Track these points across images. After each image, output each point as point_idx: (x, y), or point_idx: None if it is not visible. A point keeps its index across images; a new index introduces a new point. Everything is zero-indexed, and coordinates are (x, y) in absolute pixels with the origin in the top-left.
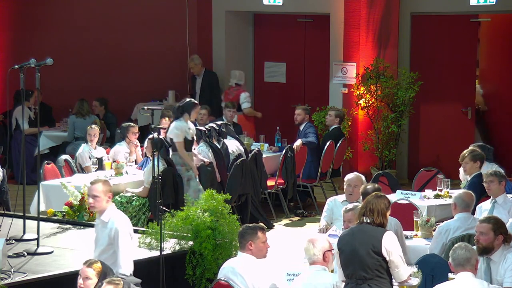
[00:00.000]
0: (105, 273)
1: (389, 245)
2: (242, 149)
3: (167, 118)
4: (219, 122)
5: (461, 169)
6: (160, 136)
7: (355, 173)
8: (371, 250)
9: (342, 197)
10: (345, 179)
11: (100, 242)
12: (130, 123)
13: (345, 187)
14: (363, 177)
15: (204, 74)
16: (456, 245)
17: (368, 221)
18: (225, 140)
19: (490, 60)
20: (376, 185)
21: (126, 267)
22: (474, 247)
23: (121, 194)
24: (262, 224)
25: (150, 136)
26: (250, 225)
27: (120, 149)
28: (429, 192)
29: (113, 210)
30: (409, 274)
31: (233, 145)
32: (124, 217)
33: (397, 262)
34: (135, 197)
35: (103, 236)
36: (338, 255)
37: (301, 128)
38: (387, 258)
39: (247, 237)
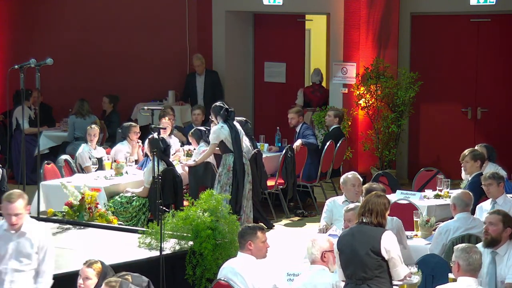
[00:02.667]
0: (105, 273)
1: (388, 244)
2: (250, 148)
3: (166, 118)
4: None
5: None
6: (161, 136)
7: (352, 172)
8: (370, 251)
9: (342, 198)
10: (345, 180)
11: (22, 254)
12: (132, 123)
13: (348, 188)
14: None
15: (206, 74)
16: (466, 247)
17: (367, 221)
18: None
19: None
20: (381, 185)
21: (49, 278)
22: (478, 245)
23: (121, 194)
24: (261, 224)
25: (150, 136)
26: (250, 225)
27: (122, 148)
28: (429, 192)
29: (30, 220)
30: (407, 273)
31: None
32: (43, 226)
33: (396, 261)
34: (135, 197)
35: (23, 248)
36: (338, 256)
37: (298, 129)
38: (386, 258)
39: (246, 237)
